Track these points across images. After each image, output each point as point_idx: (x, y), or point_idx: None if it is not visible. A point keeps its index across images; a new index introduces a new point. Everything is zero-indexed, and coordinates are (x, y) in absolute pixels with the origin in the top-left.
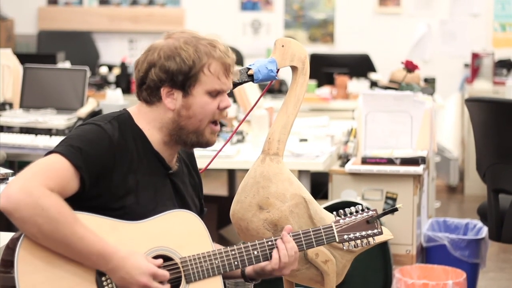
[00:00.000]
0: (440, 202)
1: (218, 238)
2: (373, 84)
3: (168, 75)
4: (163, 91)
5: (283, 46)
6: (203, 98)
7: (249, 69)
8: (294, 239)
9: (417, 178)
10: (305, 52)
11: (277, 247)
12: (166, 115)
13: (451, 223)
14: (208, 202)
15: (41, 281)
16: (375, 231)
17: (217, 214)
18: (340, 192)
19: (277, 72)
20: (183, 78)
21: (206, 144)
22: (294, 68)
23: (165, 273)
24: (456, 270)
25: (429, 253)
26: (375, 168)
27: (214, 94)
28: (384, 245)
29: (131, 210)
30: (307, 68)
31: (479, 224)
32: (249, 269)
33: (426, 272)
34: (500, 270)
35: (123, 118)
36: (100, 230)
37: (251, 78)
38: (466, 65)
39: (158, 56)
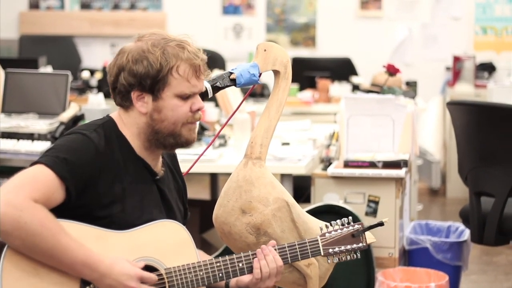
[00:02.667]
0: (422, 205)
1: (201, 242)
2: (355, 87)
3: (137, 79)
4: (133, 95)
5: (265, 50)
6: (172, 101)
7: (231, 73)
8: (279, 252)
9: (399, 181)
10: (287, 56)
11: (257, 257)
12: (141, 120)
13: (433, 226)
14: (190, 206)
15: None
16: (360, 245)
17: (199, 218)
18: (322, 195)
19: (259, 76)
20: (151, 82)
21: (185, 143)
22: (276, 72)
23: (152, 276)
24: (438, 273)
25: (412, 256)
26: (357, 172)
27: (185, 96)
28: (366, 248)
29: (117, 218)
30: (289, 72)
31: (461, 226)
32: (232, 285)
33: (408, 275)
34: (482, 272)
35: (108, 126)
36: (85, 239)
37: (233, 82)
38: (448, 68)
39: (127, 59)
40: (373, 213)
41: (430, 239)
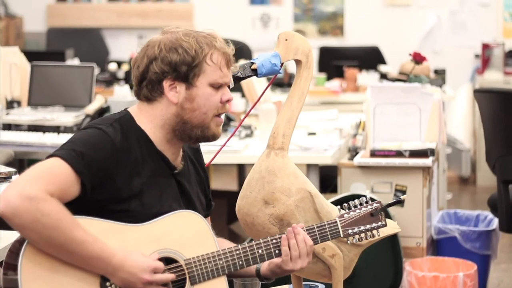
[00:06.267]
0: (452, 193)
1: (228, 233)
2: (383, 76)
3: (171, 67)
4: (166, 84)
5: (286, 39)
6: (206, 90)
7: (252, 63)
8: None
9: (426, 170)
10: (309, 45)
11: (287, 236)
12: (169, 110)
13: (461, 215)
14: (218, 197)
15: (45, 287)
16: (379, 223)
17: (227, 209)
18: (349, 185)
19: (281, 66)
20: (186, 69)
21: (212, 137)
22: (298, 62)
23: (162, 265)
24: (467, 262)
25: (440, 246)
26: (384, 161)
27: (217, 86)
28: (394, 238)
29: (135, 213)
30: (311, 62)
31: (490, 215)
32: (264, 268)
33: (436, 265)
34: None
35: (125, 120)
36: (103, 234)
37: (254, 72)
38: (477, 56)
39: (159, 49)
40: (400, 202)
41: (458, 228)
